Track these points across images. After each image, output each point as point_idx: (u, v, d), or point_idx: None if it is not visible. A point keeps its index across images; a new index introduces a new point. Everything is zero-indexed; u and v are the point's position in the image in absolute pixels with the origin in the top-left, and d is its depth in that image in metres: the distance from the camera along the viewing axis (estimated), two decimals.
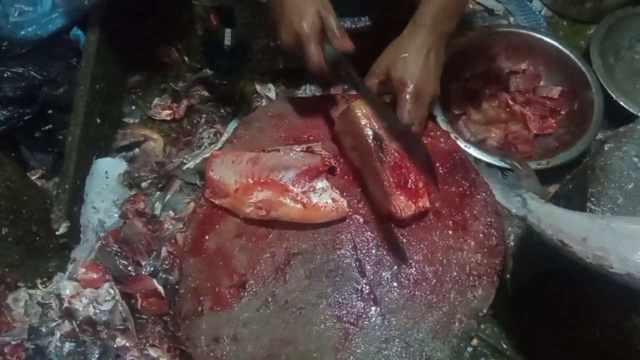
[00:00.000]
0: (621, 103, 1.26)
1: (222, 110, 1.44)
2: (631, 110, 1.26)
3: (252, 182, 0.98)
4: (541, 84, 1.35)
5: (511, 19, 1.56)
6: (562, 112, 1.31)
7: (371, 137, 0.91)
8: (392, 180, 0.91)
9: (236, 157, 0.99)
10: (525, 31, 1.38)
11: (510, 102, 1.31)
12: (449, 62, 1.27)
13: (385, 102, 0.99)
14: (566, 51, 1.32)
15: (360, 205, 0.97)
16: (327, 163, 0.98)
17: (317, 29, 0.89)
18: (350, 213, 0.95)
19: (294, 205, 0.95)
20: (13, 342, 1.13)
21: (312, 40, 0.89)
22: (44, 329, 1.15)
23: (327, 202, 0.94)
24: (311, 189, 0.96)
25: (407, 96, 0.93)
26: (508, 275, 1.13)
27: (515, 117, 1.30)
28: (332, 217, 0.94)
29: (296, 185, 0.96)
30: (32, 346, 1.13)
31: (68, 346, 1.13)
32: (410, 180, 0.92)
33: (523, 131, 1.29)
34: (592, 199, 0.87)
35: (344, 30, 0.91)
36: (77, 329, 1.14)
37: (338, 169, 1.01)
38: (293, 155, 0.98)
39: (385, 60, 0.97)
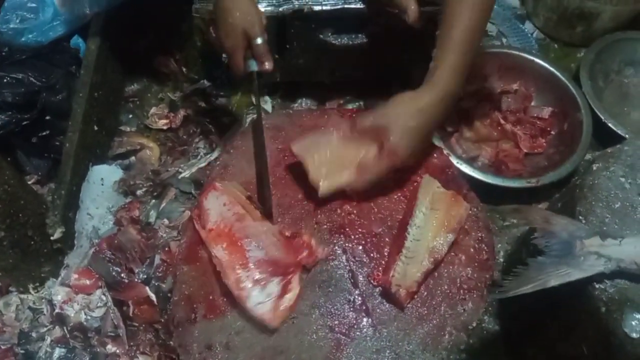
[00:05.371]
0: (610, 125, 1.29)
1: (219, 121, 1.45)
2: (619, 131, 1.28)
3: (226, 231, 0.93)
4: (532, 104, 1.38)
5: (504, 40, 1.59)
6: (552, 132, 1.33)
7: None
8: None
9: (229, 202, 0.96)
10: (517, 52, 1.41)
11: (502, 121, 1.33)
12: None
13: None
14: (557, 73, 1.34)
15: (355, 218, 0.98)
16: (301, 264, 0.92)
17: (238, 47, 1.03)
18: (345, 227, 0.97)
19: (232, 290, 0.88)
20: (3, 347, 1.13)
21: (233, 55, 1.04)
22: (34, 334, 1.15)
23: (256, 315, 0.87)
24: (262, 283, 0.88)
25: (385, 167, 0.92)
26: (497, 291, 1.14)
27: (506, 135, 1.33)
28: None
29: (254, 267, 0.89)
30: (22, 351, 1.13)
31: (58, 352, 1.13)
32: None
33: (514, 150, 1.31)
34: (580, 217, 0.89)
35: (267, 52, 1.04)
36: (68, 335, 1.14)
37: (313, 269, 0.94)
38: (274, 239, 0.92)
39: (393, 117, 0.91)
